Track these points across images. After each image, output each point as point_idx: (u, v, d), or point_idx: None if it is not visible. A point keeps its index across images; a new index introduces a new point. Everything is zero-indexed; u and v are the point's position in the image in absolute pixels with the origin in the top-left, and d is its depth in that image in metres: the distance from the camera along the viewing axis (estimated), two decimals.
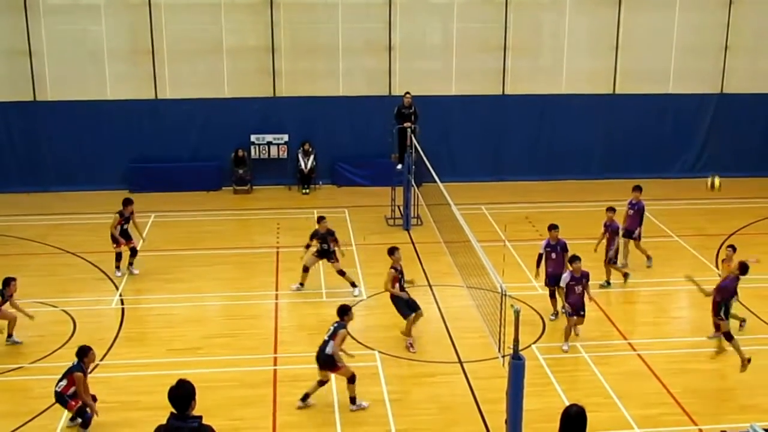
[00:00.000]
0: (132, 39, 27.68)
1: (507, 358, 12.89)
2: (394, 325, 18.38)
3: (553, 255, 18.75)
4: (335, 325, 15.24)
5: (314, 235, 20.08)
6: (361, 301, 19.67)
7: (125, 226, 20.98)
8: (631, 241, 21.74)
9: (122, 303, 19.60)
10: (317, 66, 28.32)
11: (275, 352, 17.32)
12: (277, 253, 22.62)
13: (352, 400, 15.21)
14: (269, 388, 15.89)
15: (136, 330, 18.21)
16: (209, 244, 23.18)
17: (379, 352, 17.20)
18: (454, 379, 16.24)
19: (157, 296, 20.16)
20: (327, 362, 15.13)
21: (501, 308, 14.23)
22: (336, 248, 20.12)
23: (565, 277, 17.61)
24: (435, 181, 20.08)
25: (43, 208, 26.00)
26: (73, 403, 14.20)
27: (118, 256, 21.05)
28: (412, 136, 23.80)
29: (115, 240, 20.82)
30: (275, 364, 16.80)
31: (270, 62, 28.03)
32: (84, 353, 14.32)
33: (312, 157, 28.14)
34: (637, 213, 21.64)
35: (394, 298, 17.81)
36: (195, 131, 28.04)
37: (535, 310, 18.97)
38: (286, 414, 15.01)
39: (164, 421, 8.66)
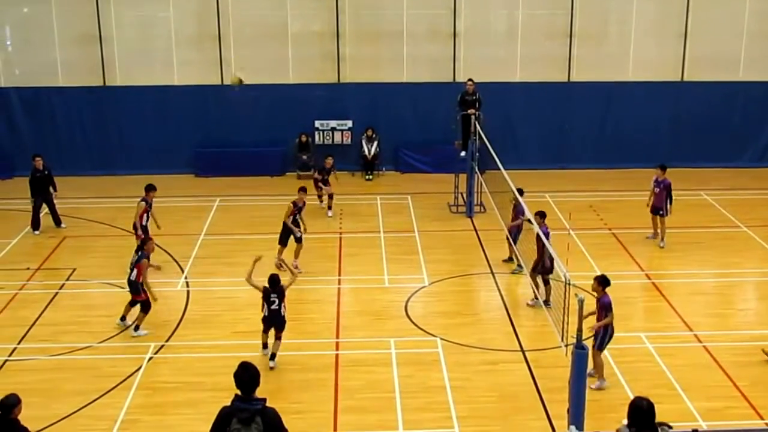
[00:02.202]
0: (199, 25, 27.98)
1: (570, 347, 12.83)
2: (455, 312, 18.41)
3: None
4: (275, 294, 16.03)
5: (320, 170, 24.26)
6: (422, 288, 19.69)
7: (150, 214, 20.47)
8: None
9: (187, 285, 19.88)
10: (381, 52, 28.34)
11: (337, 336, 17.42)
12: (340, 238, 22.74)
13: (273, 356, 16.05)
14: (331, 372, 15.99)
15: (200, 312, 18.46)
16: (272, 229, 23.29)
17: (441, 338, 17.21)
18: (516, 368, 16.18)
19: (221, 279, 20.39)
20: (281, 324, 16.18)
21: (564, 297, 14.17)
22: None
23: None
24: (498, 169, 20.00)
25: (111, 191, 26.46)
26: (143, 295, 16.98)
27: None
28: (476, 122, 23.72)
29: (143, 230, 20.04)
30: (337, 349, 16.89)
31: (335, 48, 28.12)
32: (144, 243, 17.55)
33: (375, 143, 28.19)
34: (663, 190, 21.72)
35: (285, 228, 20.17)
36: (260, 117, 28.26)
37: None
38: (347, 398, 15.11)
39: (228, 403, 8.78)
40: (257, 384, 8.76)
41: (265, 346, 16.28)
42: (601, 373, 15.35)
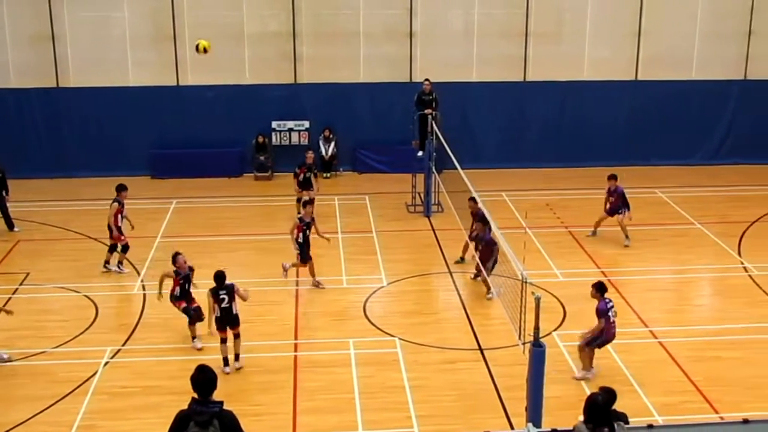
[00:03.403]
0: (154, 25, 27.74)
1: (527, 346, 12.89)
2: (414, 312, 18.43)
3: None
4: (224, 290, 16.01)
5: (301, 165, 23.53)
6: (381, 288, 19.69)
7: (124, 214, 20.44)
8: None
9: (144, 288, 19.70)
10: (338, 52, 28.29)
11: (296, 338, 17.38)
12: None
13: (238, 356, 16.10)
14: (290, 373, 15.94)
15: (157, 315, 18.27)
16: (230, 231, 23.25)
17: (400, 338, 17.23)
18: (475, 366, 16.24)
19: None
20: (235, 321, 16.11)
21: (522, 295, 14.23)
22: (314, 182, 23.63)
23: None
24: (456, 168, 20.06)
25: (66, 194, 26.17)
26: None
27: (125, 248, 20.63)
28: (433, 122, 23.78)
29: (114, 229, 20.19)
30: (296, 350, 16.85)
31: (291, 48, 28.04)
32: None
33: (333, 143, 28.16)
34: (618, 198, 21.93)
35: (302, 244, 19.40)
36: (216, 117, 28.06)
37: (556, 298, 18.92)
38: (306, 399, 15.07)
39: (186, 406, 8.72)
40: (214, 387, 8.71)
41: (225, 361, 15.96)
42: (586, 365, 15.69)
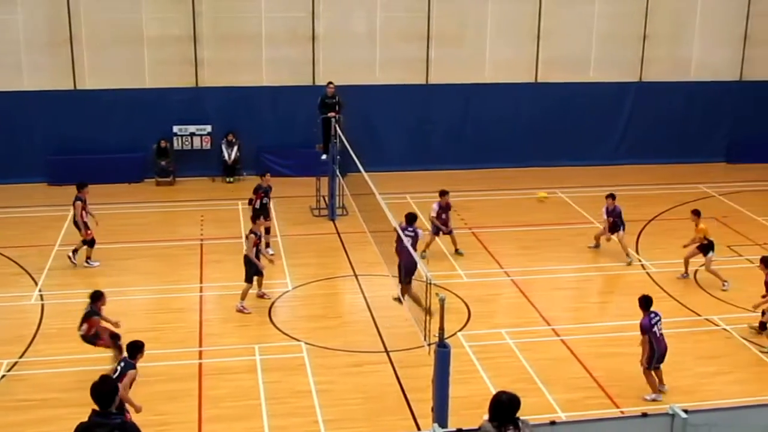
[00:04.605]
0: (49, 28, 27.02)
1: (433, 347, 12.97)
2: (319, 315, 18.40)
3: (443, 216, 21.64)
4: (122, 363, 13.70)
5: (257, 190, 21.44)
6: (286, 292, 19.59)
7: (87, 210, 20.90)
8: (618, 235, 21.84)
9: (42, 299, 19.22)
10: (240, 56, 28.05)
11: (201, 345, 17.17)
12: (202, 245, 22.41)
13: None
14: (195, 381, 15.75)
15: (57, 326, 17.83)
16: (132, 237, 22.84)
17: (305, 343, 17.17)
18: (381, 369, 16.29)
19: (78, 291, 19.73)
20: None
21: (426, 297, 14.32)
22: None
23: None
24: (360, 171, 20.09)
25: None
26: (101, 341, 15.70)
27: (92, 243, 20.92)
28: (337, 126, 23.78)
29: (82, 226, 20.71)
30: (201, 358, 16.65)
31: (192, 52, 27.69)
32: (96, 298, 15.74)
33: (236, 147, 27.91)
34: (617, 217, 21.76)
35: (248, 262, 18.50)
36: (116, 122, 27.54)
37: (461, 298, 19.10)
38: (212, 407, 14.91)
39: (86, 419, 8.53)
40: (116, 397, 8.55)
41: None
42: (654, 389, 15.35)
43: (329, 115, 24.37)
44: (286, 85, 28.16)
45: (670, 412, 9.65)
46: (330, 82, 25.34)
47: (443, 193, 21.77)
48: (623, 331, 17.69)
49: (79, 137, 27.35)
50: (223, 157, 27.83)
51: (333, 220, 24.20)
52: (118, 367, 13.59)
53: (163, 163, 27.60)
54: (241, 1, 27.98)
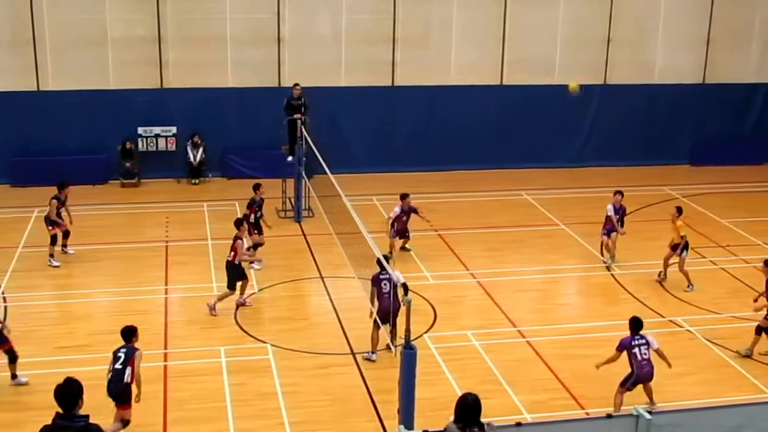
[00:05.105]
0: (12, 28, 26.78)
1: (399, 348, 12.98)
2: (286, 318, 18.35)
3: (404, 218, 21.73)
4: (125, 349, 13.79)
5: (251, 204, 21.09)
6: (252, 294, 19.52)
7: (61, 210, 21.12)
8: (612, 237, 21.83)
9: (5, 300, 19.02)
10: (205, 57, 27.91)
11: (166, 347, 17.06)
12: (167, 246, 22.28)
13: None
14: (160, 383, 15.63)
15: (19, 328, 17.54)
16: (97, 239, 22.66)
17: (271, 344, 17.12)
18: (348, 371, 16.27)
19: (42, 293, 19.67)
20: (121, 395, 13.74)
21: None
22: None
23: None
24: (326, 173, 20.08)
25: None
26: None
27: (54, 239, 20.93)
28: (303, 127, 23.74)
29: (53, 223, 20.93)
30: (166, 360, 16.55)
31: (157, 53, 27.52)
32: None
33: (201, 149, 27.79)
34: (623, 215, 21.83)
35: (231, 268, 18.21)
36: (80, 123, 27.31)
37: (427, 300, 19.14)
38: (177, 409, 14.82)
39: (50, 421, 8.45)
40: (79, 400, 8.46)
41: None
42: (616, 409, 14.49)
43: (295, 116, 24.31)
44: (252, 86, 28.08)
45: (635, 413, 9.74)
46: (296, 84, 25.29)
47: (404, 197, 21.81)
48: (588, 332, 17.85)
49: (43, 139, 27.11)
50: (189, 158, 27.70)
51: (299, 221, 24.17)
52: (121, 355, 13.74)
53: (127, 164, 27.42)
54: (205, 2, 27.86)
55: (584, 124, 30.33)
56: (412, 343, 12.81)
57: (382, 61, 28.81)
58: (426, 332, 17.71)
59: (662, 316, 18.79)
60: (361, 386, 15.71)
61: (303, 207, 24.37)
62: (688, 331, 18.12)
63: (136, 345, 13.96)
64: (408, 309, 12.53)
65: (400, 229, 21.78)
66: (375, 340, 16.50)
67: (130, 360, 13.65)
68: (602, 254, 22.02)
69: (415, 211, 21.83)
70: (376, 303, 16.30)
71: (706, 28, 30.36)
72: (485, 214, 25.19)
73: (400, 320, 14.92)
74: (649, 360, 14.74)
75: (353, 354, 16.83)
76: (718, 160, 30.68)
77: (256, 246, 20.97)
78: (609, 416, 9.92)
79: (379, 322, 16.06)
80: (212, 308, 18.35)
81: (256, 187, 21.46)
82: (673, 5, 30.18)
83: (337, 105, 28.17)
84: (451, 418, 9.02)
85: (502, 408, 14.79)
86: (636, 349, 14.69)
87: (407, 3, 28.56)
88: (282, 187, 24.74)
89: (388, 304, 16.21)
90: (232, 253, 18.30)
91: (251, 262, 19.87)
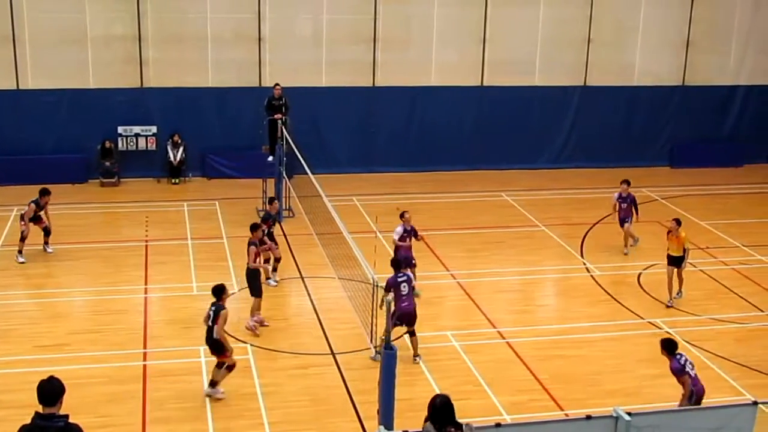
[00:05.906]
0: None
1: (378, 349, 12.99)
2: (266, 317, 18.28)
3: (408, 240, 19.57)
4: (214, 307, 15.01)
5: (266, 218, 20.03)
6: (232, 294, 19.46)
7: (38, 213, 21.10)
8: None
9: None
10: (186, 56, 27.82)
11: (145, 347, 17.00)
12: (146, 246, 22.20)
13: (213, 383, 15.12)
14: (138, 383, 15.59)
15: None
16: (76, 239, 22.56)
17: (251, 345, 17.10)
18: (327, 371, 16.26)
19: (21, 292, 19.57)
20: (215, 347, 15.04)
21: (373, 299, 14.35)
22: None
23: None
24: (306, 173, 20.06)
25: None
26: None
27: (23, 236, 20.90)
28: (283, 127, 23.72)
29: (22, 221, 21.01)
30: (145, 359, 16.49)
31: (137, 52, 27.41)
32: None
33: (181, 149, 27.70)
34: (630, 204, 22.09)
35: (248, 274, 17.77)
36: (59, 122, 27.15)
37: None
38: (155, 409, 14.76)
39: (28, 420, 8.41)
40: (59, 399, 8.42)
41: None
42: None
43: (276, 116, 24.27)
44: (232, 86, 28.02)
45: (614, 414, 9.78)
46: (277, 84, 25.24)
47: (404, 214, 19.74)
48: (567, 333, 17.92)
49: (22, 137, 26.95)
50: (169, 158, 27.61)
51: (279, 222, 24.10)
52: (210, 313, 14.92)
53: (107, 163, 27.30)
54: (186, 1, 27.77)
55: (564, 125, 30.43)
56: (392, 343, 12.83)
57: (363, 61, 28.81)
58: (406, 333, 17.70)
59: (641, 318, 18.88)
60: (341, 386, 15.70)
61: (283, 207, 24.33)
62: (667, 332, 18.19)
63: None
64: (388, 309, 12.54)
65: (404, 256, 19.23)
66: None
67: (216, 318, 14.79)
68: (626, 246, 22.32)
69: (416, 235, 19.68)
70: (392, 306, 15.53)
71: (686, 30, 30.53)
72: (465, 215, 25.24)
73: (382, 321, 14.94)
74: (697, 375, 13.98)
75: (333, 354, 16.82)
76: (697, 162, 30.90)
77: (277, 260, 20.21)
78: (588, 417, 9.93)
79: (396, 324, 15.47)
80: (254, 329, 17.71)
81: (271, 201, 20.99)
82: (652, 7, 30.34)
83: (317, 105, 28.15)
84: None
85: (482, 409, 14.82)
86: (686, 366, 13.75)
87: (388, 3, 28.57)
88: (262, 187, 24.68)
89: (409, 304, 16.25)
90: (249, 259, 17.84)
91: (267, 278, 19.51)
